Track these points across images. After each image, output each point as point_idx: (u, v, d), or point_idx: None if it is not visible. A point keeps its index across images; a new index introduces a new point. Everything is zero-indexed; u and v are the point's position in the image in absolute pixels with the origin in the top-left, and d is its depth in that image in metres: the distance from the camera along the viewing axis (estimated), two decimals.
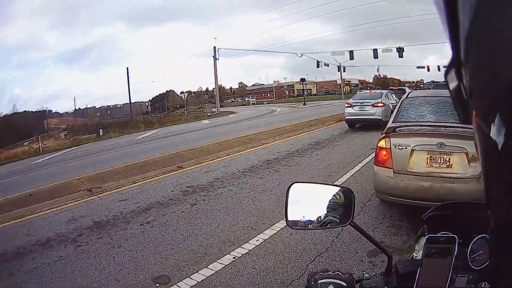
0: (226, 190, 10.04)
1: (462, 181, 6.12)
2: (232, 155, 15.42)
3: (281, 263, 5.74)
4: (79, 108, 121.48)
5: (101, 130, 53.43)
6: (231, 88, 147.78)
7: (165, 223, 7.95)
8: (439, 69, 78.52)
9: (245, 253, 6.20)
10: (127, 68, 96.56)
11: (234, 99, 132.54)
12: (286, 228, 6.59)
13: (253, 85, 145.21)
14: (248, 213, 8.11)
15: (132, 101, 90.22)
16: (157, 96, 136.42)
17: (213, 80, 65.90)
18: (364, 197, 8.20)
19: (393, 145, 6.59)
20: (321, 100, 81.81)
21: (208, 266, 5.85)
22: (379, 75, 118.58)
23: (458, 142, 6.16)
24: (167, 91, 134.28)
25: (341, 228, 5.50)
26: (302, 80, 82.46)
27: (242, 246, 6.46)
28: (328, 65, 72.36)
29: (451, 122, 6.68)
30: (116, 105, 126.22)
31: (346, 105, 20.88)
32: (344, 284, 1.57)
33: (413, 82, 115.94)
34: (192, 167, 13.75)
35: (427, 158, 6.36)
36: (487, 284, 1.52)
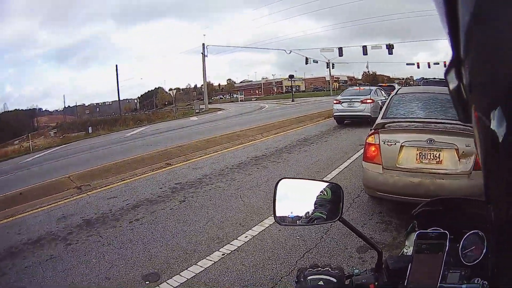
0: (214, 187, 10.04)
1: (452, 177, 6.15)
2: (220, 152, 15.43)
3: (270, 259, 5.74)
4: (69, 106, 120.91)
5: (90, 128, 53.29)
6: (219, 85, 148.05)
7: (154, 220, 7.94)
8: (429, 66, 79.01)
9: (234, 250, 6.20)
10: (116, 65, 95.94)
11: (223, 96, 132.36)
12: (274, 225, 6.59)
13: (241, 82, 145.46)
14: (236, 209, 8.10)
15: (121, 99, 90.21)
16: (146, 93, 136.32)
17: (202, 77, 66.04)
18: (353, 193, 8.22)
19: (382, 141, 6.60)
20: (310, 96, 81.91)
21: (197, 263, 5.84)
22: (368, 71, 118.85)
23: (448, 138, 6.19)
24: (155, 88, 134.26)
25: (330, 224, 5.53)
26: (291, 76, 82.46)
27: (231, 243, 6.45)
28: (317, 62, 72.45)
29: (441, 119, 6.71)
30: (105, 102, 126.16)
31: (335, 102, 20.96)
32: (334, 280, 1.55)
33: (403, 78, 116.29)
34: (181, 164, 13.73)
35: (417, 154, 6.37)
36: (480, 280, 1.52)
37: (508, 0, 0.55)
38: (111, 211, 8.88)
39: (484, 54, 0.60)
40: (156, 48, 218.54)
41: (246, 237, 6.65)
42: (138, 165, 13.48)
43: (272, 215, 1.80)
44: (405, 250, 1.82)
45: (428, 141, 6.24)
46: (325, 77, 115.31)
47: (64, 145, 37.76)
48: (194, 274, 5.54)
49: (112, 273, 5.82)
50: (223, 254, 6.06)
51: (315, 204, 1.74)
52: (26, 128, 78.67)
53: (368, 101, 19.27)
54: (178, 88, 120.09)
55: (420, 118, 7.02)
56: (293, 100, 63.28)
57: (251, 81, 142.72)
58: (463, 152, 6.06)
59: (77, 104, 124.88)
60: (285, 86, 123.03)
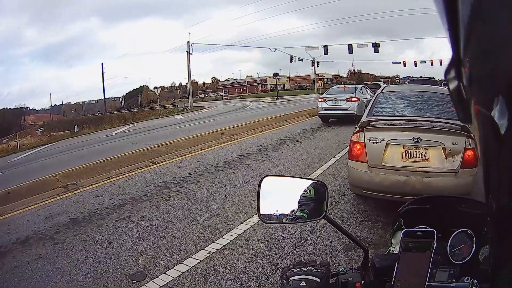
0: (199, 185, 10.02)
1: (439, 175, 6.18)
2: (204, 150, 15.38)
3: (255, 258, 5.74)
4: (55, 105, 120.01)
5: (76, 127, 53.22)
6: (204, 83, 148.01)
7: (140, 219, 7.92)
8: (415, 65, 79.29)
9: (220, 248, 6.19)
10: (102, 64, 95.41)
11: (207, 94, 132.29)
12: (259, 223, 6.60)
13: (226, 80, 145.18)
14: (221, 208, 8.10)
15: (106, 97, 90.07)
16: (131, 91, 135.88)
17: (187, 75, 65.74)
18: (338, 191, 8.25)
19: (367, 139, 6.60)
20: (295, 95, 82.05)
21: (184, 262, 5.84)
22: (353, 70, 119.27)
23: (435, 136, 6.22)
24: (140, 86, 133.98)
25: (316, 222, 5.54)
26: (275, 75, 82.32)
27: (216, 241, 6.45)
28: (301, 60, 72.68)
29: (428, 117, 6.74)
30: (90, 101, 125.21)
31: (320, 100, 20.90)
32: (317, 279, 1.54)
33: (389, 77, 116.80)
34: (165, 162, 13.68)
35: (403, 152, 6.38)
36: (469, 278, 1.52)
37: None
38: (97, 210, 8.86)
39: (485, 47, 0.60)
40: (141, 46, 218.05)
41: (231, 235, 6.64)
42: (123, 164, 13.41)
43: (257, 213, 1.79)
44: (391, 249, 1.82)
45: (414, 139, 6.25)
46: (310, 75, 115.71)
47: (50, 144, 37.59)
48: (181, 273, 5.54)
49: (99, 273, 5.81)
50: (208, 253, 6.05)
51: (298, 203, 1.72)
52: (14, 127, 78.46)
53: (353, 99, 19.22)
54: (163, 87, 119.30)
55: (406, 116, 7.03)
56: (277, 99, 63.21)
57: (236, 79, 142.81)
58: (450, 150, 6.09)
59: (64, 103, 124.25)
60: (270, 84, 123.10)
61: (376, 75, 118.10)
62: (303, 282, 1.53)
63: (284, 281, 1.55)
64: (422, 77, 44.83)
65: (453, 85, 0.66)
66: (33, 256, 6.70)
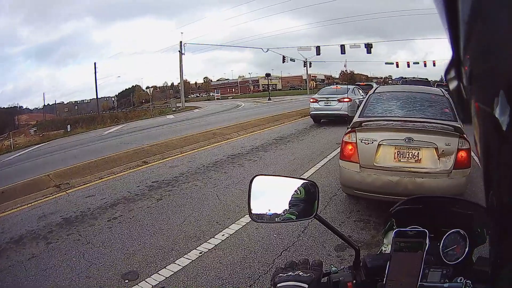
0: (191, 185, 10.01)
1: (432, 176, 6.20)
2: (196, 150, 15.36)
3: (247, 257, 5.75)
4: (48, 104, 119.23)
5: (69, 126, 53.17)
6: (196, 83, 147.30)
7: (132, 219, 7.91)
8: (408, 66, 78.96)
9: (212, 248, 6.19)
10: (95, 63, 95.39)
11: (199, 94, 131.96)
12: (251, 223, 6.61)
13: (218, 80, 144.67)
14: (213, 207, 8.10)
15: (99, 96, 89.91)
16: (123, 91, 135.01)
17: (179, 75, 65.59)
18: (330, 191, 8.27)
19: (359, 139, 6.61)
20: (287, 95, 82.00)
21: (176, 262, 5.84)
22: (346, 70, 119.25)
23: (427, 137, 6.24)
24: (133, 86, 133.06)
25: (308, 221, 5.54)
26: (267, 75, 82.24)
27: (208, 241, 6.45)
28: (294, 60, 72.42)
29: (420, 118, 6.76)
30: (83, 100, 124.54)
31: (312, 100, 20.91)
32: (305, 285, 1.53)
33: (381, 78, 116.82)
34: (157, 162, 13.65)
35: (395, 153, 6.40)
36: (463, 279, 1.52)
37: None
38: (89, 209, 8.83)
39: (485, 46, 0.60)
40: (134, 46, 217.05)
41: (223, 235, 6.64)
42: (115, 163, 13.37)
43: (248, 213, 1.79)
44: (383, 248, 1.83)
45: (407, 140, 6.26)
46: (302, 76, 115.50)
47: (43, 144, 37.42)
48: (173, 273, 5.54)
49: (92, 272, 5.79)
50: (200, 253, 6.05)
51: (289, 204, 1.72)
52: (7, 126, 77.98)
53: (345, 100, 19.17)
54: (155, 86, 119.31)
55: (399, 117, 7.04)
56: (269, 99, 63.14)
57: (228, 79, 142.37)
58: (442, 151, 6.11)
59: (57, 102, 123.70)
60: (262, 84, 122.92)
61: (369, 76, 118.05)
62: None
63: (272, 287, 1.55)
64: (415, 77, 45.01)
65: (453, 85, 0.67)
66: (27, 255, 6.69)
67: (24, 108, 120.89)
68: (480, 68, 0.62)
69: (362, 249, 1.73)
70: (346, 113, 18.00)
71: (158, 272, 5.59)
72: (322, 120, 20.67)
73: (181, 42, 61.72)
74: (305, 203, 1.73)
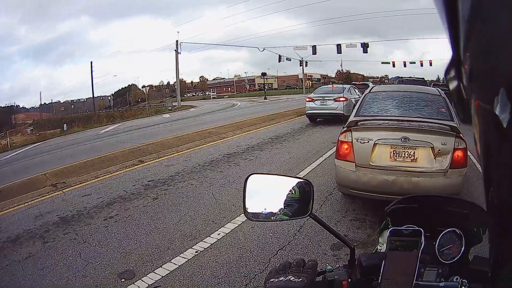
0: (186, 184, 10.02)
1: (428, 175, 6.20)
2: (192, 149, 15.35)
3: (243, 256, 5.75)
4: (45, 103, 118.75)
5: (65, 125, 53.18)
6: (192, 82, 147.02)
7: (128, 218, 7.91)
8: (405, 65, 79.04)
9: (207, 247, 6.20)
10: (91, 62, 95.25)
11: (195, 93, 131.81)
12: (247, 222, 6.62)
13: (214, 79, 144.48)
14: (209, 206, 8.11)
15: (95, 95, 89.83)
16: (119, 90, 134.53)
17: (175, 74, 65.51)
18: (326, 190, 8.29)
19: (355, 139, 6.61)
20: (283, 94, 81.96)
21: (172, 261, 5.84)
22: (342, 70, 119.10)
23: (423, 136, 6.25)
24: (129, 85, 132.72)
25: (304, 221, 5.55)
26: (263, 74, 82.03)
27: (204, 240, 6.45)
28: (290, 60, 72.42)
29: (416, 117, 6.77)
30: (80, 99, 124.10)
31: (308, 100, 20.89)
32: None
33: (378, 77, 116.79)
34: (153, 161, 13.64)
35: (391, 152, 6.40)
36: (459, 278, 1.53)
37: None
38: (85, 208, 8.82)
39: (485, 46, 0.61)
40: (131, 45, 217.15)
41: (219, 234, 6.65)
42: (111, 163, 13.36)
43: (243, 211, 1.80)
44: (378, 247, 1.83)
45: (403, 139, 6.26)
46: (298, 75, 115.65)
47: (40, 143, 37.58)
48: (169, 272, 5.54)
49: (88, 271, 5.79)
50: (196, 252, 6.05)
51: (284, 203, 1.72)
52: (4, 125, 77.89)
53: (341, 99, 19.16)
54: (151, 85, 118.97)
55: (395, 116, 7.04)
56: (265, 98, 63.09)
57: (224, 78, 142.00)
58: (439, 150, 6.12)
59: (53, 101, 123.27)
60: (258, 83, 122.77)
61: (365, 75, 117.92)
62: None
63: None
64: (411, 77, 44.90)
65: (453, 85, 0.67)
66: (24, 254, 6.68)
67: (21, 107, 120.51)
68: (481, 66, 0.63)
69: (358, 248, 1.73)
70: (342, 112, 17.98)
71: (154, 271, 5.59)
72: (318, 120, 20.68)
73: (177, 41, 61.77)
74: (300, 203, 1.73)
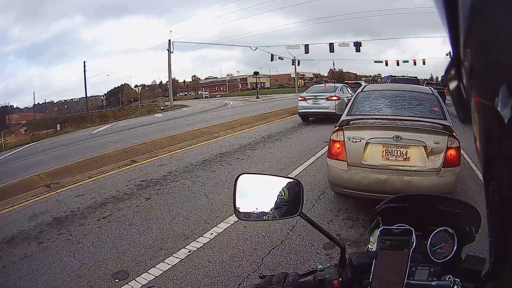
0: (179, 184, 10.01)
1: (420, 174, 6.21)
2: (184, 149, 15.33)
3: (236, 256, 5.76)
4: (38, 103, 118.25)
5: (58, 125, 53.18)
6: (184, 81, 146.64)
7: (121, 218, 7.90)
8: (398, 64, 79.38)
9: (200, 247, 6.19)
10: (84, 62, 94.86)
11: (188, 93, 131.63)
12: (239, 221, 6.57)
13: (206, 78, 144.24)
14: (201, 206, 8.10)
15: (88, 95, 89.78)
16: (112, 89, 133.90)
17: (167, 74, 65.38)
18: (318, 190, 8.30)
19: (347, 138, 6.61)
20: (275, 93, 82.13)
21: (165, 261, 5.83)
22: (334, 69, 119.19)
23: (415, 135, 6.25)
24: (122, 84, 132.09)
25: (296, 220, 5.56)
26: (256, 73, 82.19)
27: (196, 240, 6.45)
28: (282, 59, 72.42)
29: (409, 116, 6.77)
30: (73, 99, 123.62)
31: (300, 99, 20.94)
32: None
33: (370, 76, 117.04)
34: (146, 161, 13.60)
35: (383, 151, 6.41)
36: (451, 277, 1.53)
37: None
38: (79, 209, 8.79)
39: (485, 45, 0.61)
40: (124, 44, 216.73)
41: (211, 234, 6.64)
42: (104, 163, 13.32)
43: (233, 211, 1.80)
44: (370, 246, 1.84)
45: (395, 138, 6.26)
46: (290, 74, 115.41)
47: (34, 143, 37.44)
48: (162, 272, 5.53)
49: (82, 272, 5.78)
50: (189, 252, 6.05)
51: (274, 204, 1.73)
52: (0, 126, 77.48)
53: (334, 98, 19.25)
54: (144, 85, 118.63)
55: (387, 115, 7.05)
56: (258, 97, 63.16)
57: (216, 77, 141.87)
58: (431, 149, 6.13)
59: (47, 101, 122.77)
60: (250, 82, 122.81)
61: (358, 74, 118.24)
62: None
63: None
64: (404, 76, 44.87)
65: (453, 84, 0.68)
66: (19, 255, 6.66)
67: (15, 107, 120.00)
68: (482, 63, 0.63)
69: (351, 247, 1.74)
70: (334, 111, 18.02)
71: (148, 271, 5.58)
72: (310, 119, 20.72)
73: (169, 40, 61.68)
74: (290, 202, 1.74)
